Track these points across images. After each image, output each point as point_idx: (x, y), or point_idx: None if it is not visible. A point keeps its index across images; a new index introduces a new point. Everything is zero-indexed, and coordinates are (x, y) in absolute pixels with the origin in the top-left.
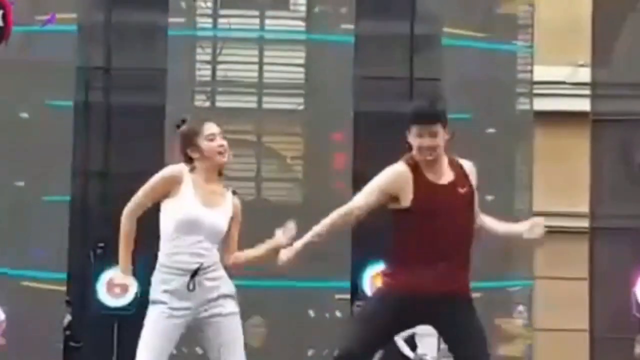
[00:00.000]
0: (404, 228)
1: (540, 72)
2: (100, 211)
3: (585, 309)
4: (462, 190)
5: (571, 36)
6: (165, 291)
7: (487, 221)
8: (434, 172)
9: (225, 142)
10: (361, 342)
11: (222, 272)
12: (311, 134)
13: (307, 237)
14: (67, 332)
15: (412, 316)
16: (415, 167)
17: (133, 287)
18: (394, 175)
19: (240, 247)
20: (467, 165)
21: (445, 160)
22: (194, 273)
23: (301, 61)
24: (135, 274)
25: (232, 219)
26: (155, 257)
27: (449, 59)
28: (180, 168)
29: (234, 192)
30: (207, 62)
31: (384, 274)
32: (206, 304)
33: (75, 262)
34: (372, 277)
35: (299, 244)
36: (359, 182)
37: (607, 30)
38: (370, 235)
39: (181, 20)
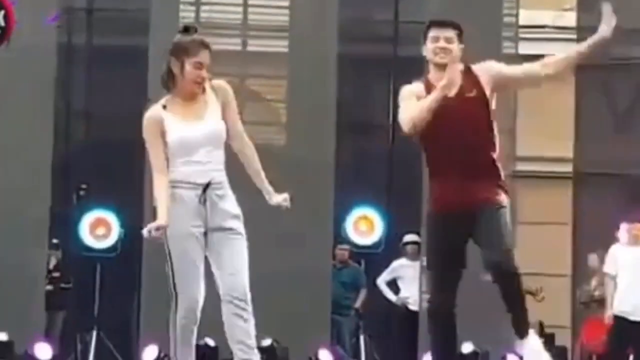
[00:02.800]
0: (425, 145)
1: (526, 16)
2: (83, 152)
3: (568, 254)
4: (470, 94)
5: None
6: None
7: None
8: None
9: (206, 76)
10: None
11: (231, 193)
12: (295, 77)
13: None
14: (54, 274)
15: (453, 230)
16: (427, 83)
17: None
18: (408, 92)
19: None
20: (477, 67)
21: (458, 71)
22: (206, 187)
23: (286, 3)
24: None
25: (223, 112)
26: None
27: (434, 1)
28: (152, 110)
29: (210, 79)
30: (191, 4)
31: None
32: (217, 217)
33: (59, 203)
34: (356, 222)
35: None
36: (342, 123)
37: None
38: (354, 178)
39: None
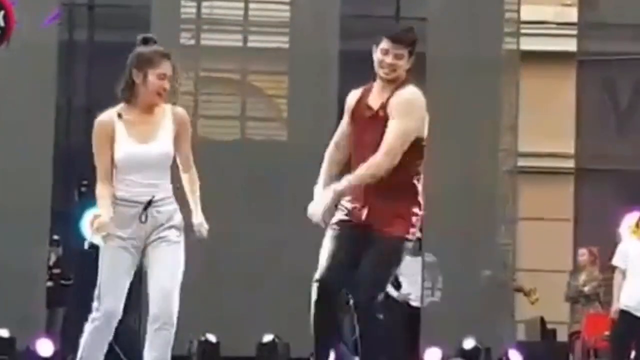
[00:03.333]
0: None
1: (528, 11)
2: (84, 149)
3: (569, 250)
4: (382, 114)
5: None
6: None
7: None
8: (378, 96)
9: (168, 87)
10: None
11: (174, 206)
12: (297, 73)
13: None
14: (55, 271)
15: (346, 243)
16: (366, 90)
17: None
18: (348, 96)
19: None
20: (398, 92)
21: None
22: (147, 205)
23: None
24: None
25: (176, 138)
26: None
27: None
28: (105, 116)
29: (174, 103)
30: (192, 0)
31: None
32: (155, 230)
33: (60, 199)
34: None
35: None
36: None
37: None
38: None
39: None
